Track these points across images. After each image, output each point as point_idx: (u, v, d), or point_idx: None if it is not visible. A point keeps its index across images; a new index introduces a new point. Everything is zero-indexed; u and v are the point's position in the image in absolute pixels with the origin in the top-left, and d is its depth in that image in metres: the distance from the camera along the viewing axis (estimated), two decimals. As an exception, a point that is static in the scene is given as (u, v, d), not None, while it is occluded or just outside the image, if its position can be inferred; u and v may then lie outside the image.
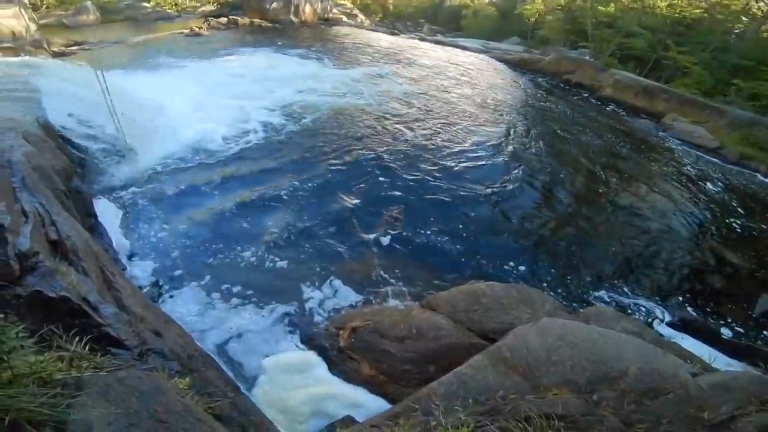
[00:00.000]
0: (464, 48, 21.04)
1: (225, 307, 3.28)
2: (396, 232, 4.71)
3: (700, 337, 4.24)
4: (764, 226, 7.03)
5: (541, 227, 5.39)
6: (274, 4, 20.64)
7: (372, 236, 4.57)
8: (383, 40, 19.55)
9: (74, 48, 12.66)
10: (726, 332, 4.46)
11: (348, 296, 3.67)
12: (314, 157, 6.11)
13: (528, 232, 5.24)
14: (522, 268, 4.55)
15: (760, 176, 10.00)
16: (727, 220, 7.01)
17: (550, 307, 3.35)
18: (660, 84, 14.78)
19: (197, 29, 17.47)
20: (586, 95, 14.98)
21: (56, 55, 11.58)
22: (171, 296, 3.29)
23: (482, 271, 4.29)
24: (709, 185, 8.48)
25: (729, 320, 4.63)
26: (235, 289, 3.55)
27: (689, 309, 4.65)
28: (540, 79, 16.27)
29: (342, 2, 32.56)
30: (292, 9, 20.94)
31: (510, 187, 6.15)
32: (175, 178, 5.07)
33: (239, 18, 20.44)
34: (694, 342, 4.03)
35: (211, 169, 5.44)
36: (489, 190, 5.92)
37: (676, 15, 18.72)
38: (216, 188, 5.04)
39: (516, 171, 6.74)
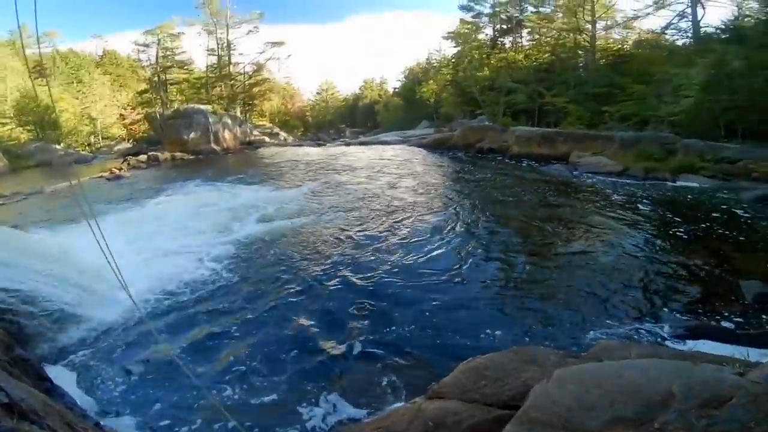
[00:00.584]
0: (386, 143, 23.06)
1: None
2: (367, 336, 4.40)
3: (715, 338, 4.07)
4: (702, 225, 7.64)
5: (508, 290, 5.39)
6: (192, 135, 21.36)
7: (345, 347, 4.22)
8: (311, 153, 20.50)
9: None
10: (732, 326, 4.34)
11: (346, 410, 3.40)
12: (268, 285, 5.77)
13: (497, 298, 5.20)
14: (505, 334, 4.41)
15: (669, 183, 11.30)
16: (669, 230, 7.49)
17: (555, 358, 3.20)
18: (552, 129, 16.99)
19: (118, 171, 17.06)
20: (500, 157, 16.65)
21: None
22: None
23: (468, 348, 4.09)
24: (636, 205, 9.25)
25: (728, 315, 4.56)
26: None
27: (686, 318, 4.57)
28: (458, 154, 17.99)
29: (261, 123, 34.88)
30: (212, 137, 21.79)
31: (464, 263, 6.18)
32: (127, 332, 4.59)
33: (159, 153, 20.63)
34: (713, 345, 3.86)
35: (165, 315, 4.97)
36: (446, 271, 5.89)
37: (534, 63, 22.53)
38: (172, 331, 4.61)
39: (465, 246, 6.86)
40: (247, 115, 32.01)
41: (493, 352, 3.35)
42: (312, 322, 4.72)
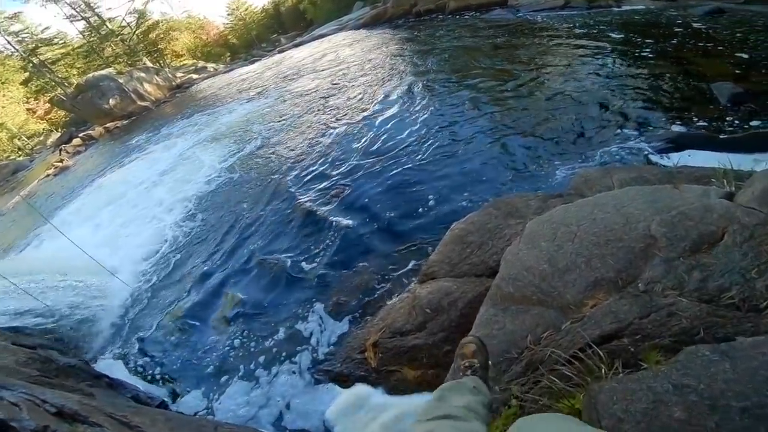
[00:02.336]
0: (323, 36, 20.98)
1: (258, 390, 3.16)
2: (348, 227, 4.43)
3: (700, 146, 3.86)
4: (661, 41, 7.44)
5: (482, 143, 5.24)
6: (112, 101, 19.36)
7: (323, 250, 4.27)
8: (245, 72, 19.00)
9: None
10: (714, 131, 4.16)
11: (343, 320, 3.44)
12: (245, 207, 5.88)
13: (472, 153, 5.06)
14: (487, 187, 4.33)
15: (614, 9, 10.80)
16: (630, 51, 7.26)
17: (537, 203, 3.05)
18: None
19: (60, 164, 16.02)
20: (440, 16, 15.49)
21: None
22: (213, 402, 3.19)
23: (451, 213, 4.00)
24: (589, 33, 8.93)
25: (707, 120, 4.40)
26: (255, 371, 3.40)
27: (666, 130, 4.40)
28: (399, 24, 16.60)
29: (183, 62, 31.20)
30: (133, 96, 19.72)
31: (430, 126, 6.08)
32: (135, 309, 4.77)
33: (91, 131, 19.03)
34: (700, 156, 3.67)
35: (160, 278, 5.11)
36: (414, 140, 5.81)
37: None
38: (171, 291, 4.77)
39: (427, 108, 6.72)
40: (161, 62, 28.78)
41: (474, 212, 3.23)
42: (292, 231, 4.79)
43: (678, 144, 3.98)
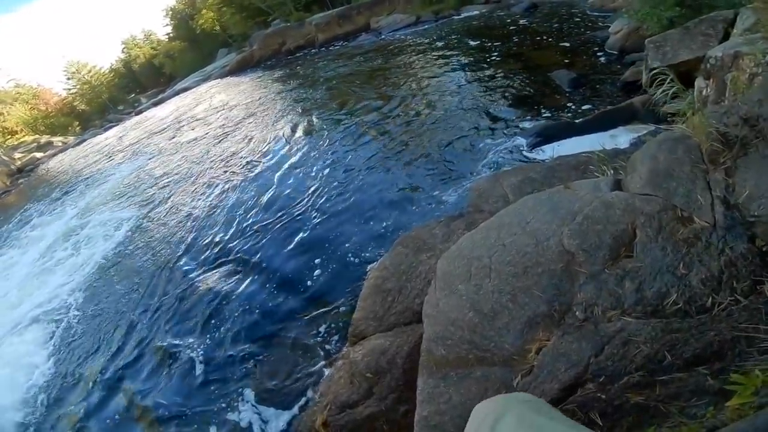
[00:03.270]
0: (186, 89, 19.58)
1: None
2: (257, 298, 3.94)
3: (565, 134, 4.19)
4: (497, 41, 8.51)
5: (375, 175, 5.13)
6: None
7: (234, 329, 3.66)
8: (106, 140, 16.68)
9: None
10: (569, 115, 4.68)
11: (281, 405, 2.96)
12: (132, 298, 4.77)
13: (368, 189, 4.91)
14: (388, 221, 4.19)
15: (455, 17, 12.28)
16: (476, 54, 8.09)
17: (441, 228, 2.99)
18: (345, 6, 16.32)
19: None
20: (313, 50, 15.70)
21: None
22: None
23: (363, 261, 3.76)
24: (443, 43, 9.83)
25: (560, 107, 4.96)
26: None
27: (531, 125, 4.77)
28: (271, 64, 16.30)
29: (21, 140, 26.36)
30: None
31: (325, 165, 5.85)
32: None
33: None
34: (569, 144, 3.94)
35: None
36: (309, 184, 5.45)
37: None
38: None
39: (319, 147, 6.50)
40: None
41: (383, 256, 3.05)
42: (193, 315, 3.97)
43: (545, 136, 4.34)
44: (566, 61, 6.32)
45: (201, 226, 5.69)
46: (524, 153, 4.34)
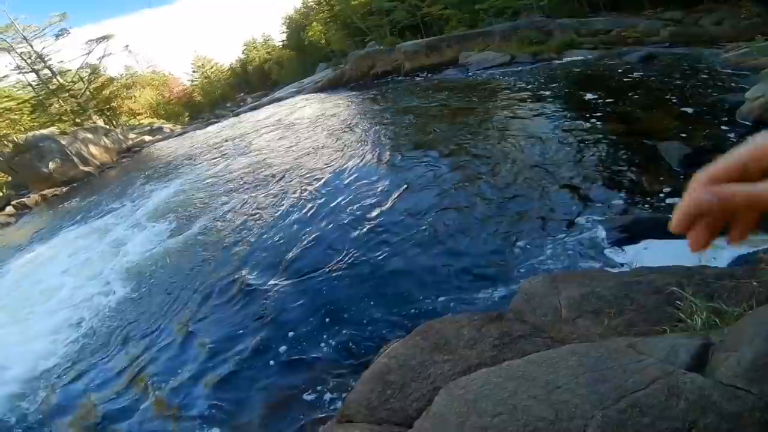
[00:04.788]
0: (280, 99, 20.91)
1: None
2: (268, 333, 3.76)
3: (655, 233, 3.33)
4: (602, 93, 7.41)
5: (431, 231, 4.58)
6: (52, 165, 17.90)
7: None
8: (204, 135, 18.21)
9: None
10: (670, 204, 3.74)
11: None
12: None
13: (417, 246, 4.42)
14: (423, 292, 3.72)
15: (556, 62, 11.24)
16: (573, 107, 7.15)
17: (471, 330, 2.60)
18: (435, 37, 16.24)
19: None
20: (397, 77, 15.74)
21: None
22: None
23: (382, 330, 3.44)
24: (534, 88, 8.96)
25: (658, 191, 3.97)
26: None
27: (620, 211, 3.91)
28: (357, 86, 16.69)
29: (140, 122, 30.43)
30: (77, 160, 18.40)
31: (384, 204, 5.43)
32: None
33: (26, 199, 17.39)
34: (656, 247, 3.23)
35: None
36: (351, 231, 5.09)
37: None
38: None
39: (384, 184, 6.05)
40: (114, 121, 27.73)
41: (399, 340, 2.76)
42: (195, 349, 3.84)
43: (633, 233, 3.52)
44: (682, 129, 5.16)
45: (220, 248, 5.63)
46: (602, 250, 3.51)
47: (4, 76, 25.71)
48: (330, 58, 27.83)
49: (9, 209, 17.50)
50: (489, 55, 12.59)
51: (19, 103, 25.45)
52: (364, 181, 6.37)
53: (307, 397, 3.08)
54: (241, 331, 4.01)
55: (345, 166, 7.34)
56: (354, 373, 3.10)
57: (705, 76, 7.29)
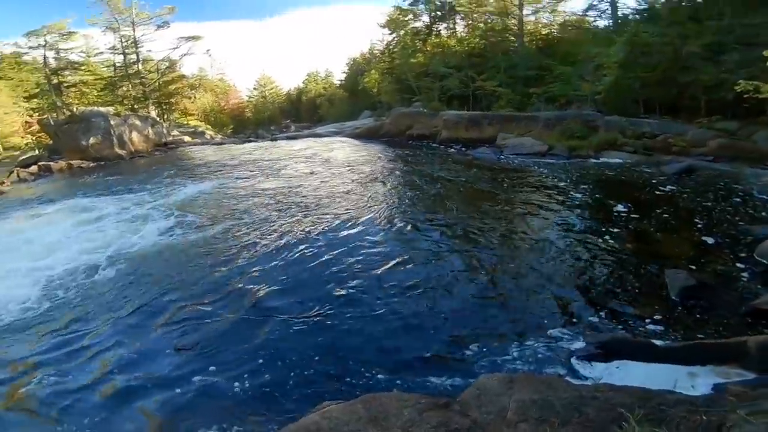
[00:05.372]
0: (318, 135, 21.58)
1: None
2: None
3: (631, 355, 3.31)
4: (625, 203, 7.13)
5: (416, 304, 4.46)
6: (92, 140, 18.58)
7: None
8: (230, 152, 18.54)
9: None
10: (654, 331, 3.64)
11: None
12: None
13: (391, 314, 4.27)
14: (383, 357, 3.61)
15: (592, 160, 11.08)
16: (591, 213, 7.00)
17: (412, 411, 2.48)
18: (479, 112, 16.52)
19: (-4, 186, 14.55)
20: (430, 143, 15.95)
21: None
22: None
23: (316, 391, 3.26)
24: (558, 186, 8.75)
25: (650, 317, 3.87)
26: None
27: (602, 327, 3.82)
28: (392, 142, 17.00)
29: (191, 122, 31.94)
30: (115, 141, 19.09)
31: (389, 264, 5.29)
32: None
33: (53, 163, 18.01)
34: (627, 368, 3.16)
35: None
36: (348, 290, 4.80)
37: (467, 48, 22.24)
38: None
39: (383, 246, 5.94)
40: (166, 115, 29.23)
41: (338, 402, 2.55)
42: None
43: (608, 350, 3.44)
44: (695, 259, 4.96)
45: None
46: (572, 360, 3.38)
47: (99, 53, 28.12)
48: (377, 107, 28.97)
49: (33, 168, 18.10)
50: (527, 141, 12.61)
51: (96, 79, 27.34)
52: (369, 239, 6.24)
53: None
54: (168, 351, 3.72)
55: (359, 218, 7.22)
56: (278, 423, 2.87)
57: (738, 199, 7.02)
